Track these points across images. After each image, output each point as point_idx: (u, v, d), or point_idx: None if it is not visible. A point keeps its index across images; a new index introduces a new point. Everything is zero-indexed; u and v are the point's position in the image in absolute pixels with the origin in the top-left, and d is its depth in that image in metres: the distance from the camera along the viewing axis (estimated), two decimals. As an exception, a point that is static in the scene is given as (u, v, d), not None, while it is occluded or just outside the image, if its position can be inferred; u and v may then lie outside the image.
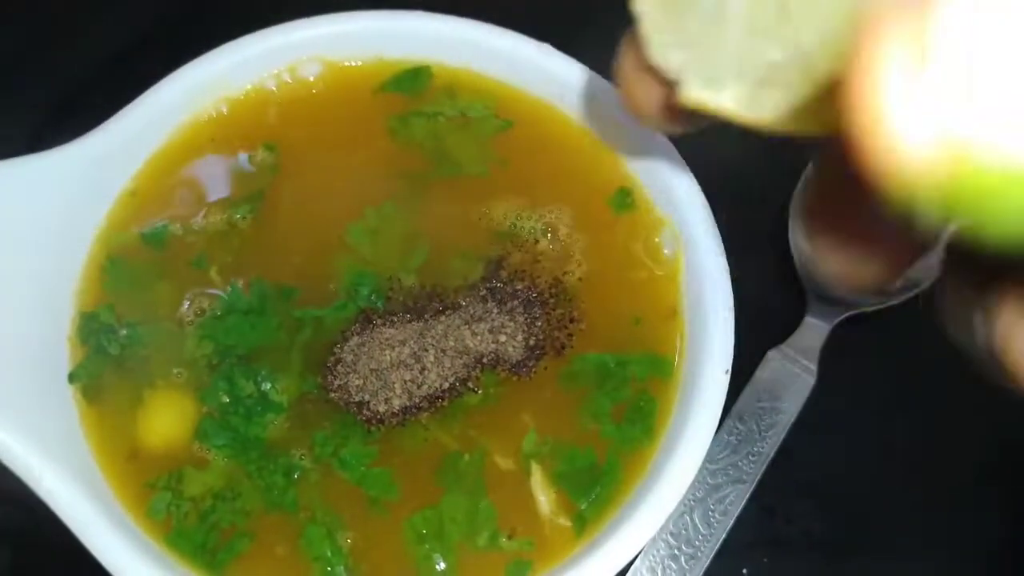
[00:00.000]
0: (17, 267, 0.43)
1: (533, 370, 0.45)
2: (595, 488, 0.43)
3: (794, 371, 0.50)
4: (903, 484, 0.52)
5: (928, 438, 0.53)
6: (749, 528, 0.49)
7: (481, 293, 0.46)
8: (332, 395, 0.44)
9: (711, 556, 0.47)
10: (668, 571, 0.47)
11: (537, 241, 0.47)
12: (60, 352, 0.45)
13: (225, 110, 0.49)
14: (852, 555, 0.51)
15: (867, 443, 0.52)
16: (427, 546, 0.42)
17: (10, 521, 0.49)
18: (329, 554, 0.42)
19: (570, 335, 0.45)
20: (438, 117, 0.50)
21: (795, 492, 0.51)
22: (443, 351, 0.44)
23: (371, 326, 0.45)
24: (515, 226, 0.48)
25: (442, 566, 0.42)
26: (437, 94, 0.51)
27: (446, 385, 0.44)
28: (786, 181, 0.55)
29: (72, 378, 0.44)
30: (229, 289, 0.46)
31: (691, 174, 0.47)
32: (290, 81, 0.50)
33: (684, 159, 0.47)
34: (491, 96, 0.51)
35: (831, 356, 0.51)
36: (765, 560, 0.50)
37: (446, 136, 0.50)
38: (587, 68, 0.49)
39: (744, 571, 0.50)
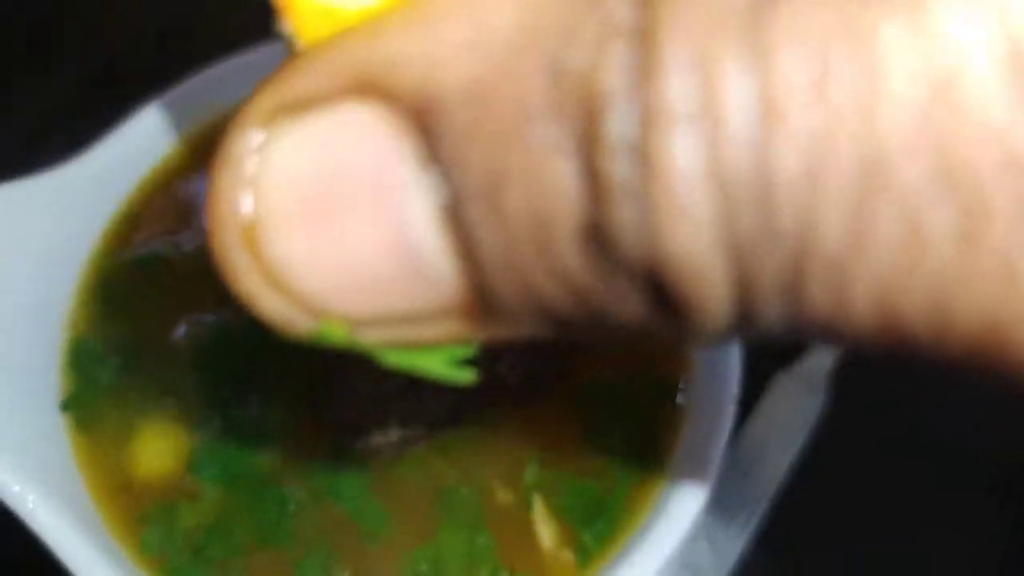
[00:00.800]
0: (7, 294, 0.42)
1: (535, 398, 0.44)
2: (599, 519, 0.42)
3: (803, 395, 0.49)
4: (919, 510, 0.51)
5: (944, 461, 0.52)
6: (760, 555, 0.48)
7: (480, 319, 0.44)
8: (327, 425, 0.43)
9: (720, 584, 0.46)
10: (676, 600, 0.46)
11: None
12: (52, 380, 0.44)
13: (218, 129, 0.48)
14: (847, 560, 0.50)
15: (880, 468, 0.51)
16: None
17: (4, 552, 0.48)
18: (325, 588, 0.41)
19: (573, 362, 0.44)
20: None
21: (806, 518, 0.50)
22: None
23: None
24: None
25: None
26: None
27: (445, 414, 0.43)
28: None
29: (64, 407, 0.43)
30: (222, 315, 0.45)
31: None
32: (285, 99, 0.49)
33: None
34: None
35: (841, 380, 0.50)
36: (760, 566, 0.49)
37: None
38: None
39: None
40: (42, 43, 0.60)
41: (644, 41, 0.13)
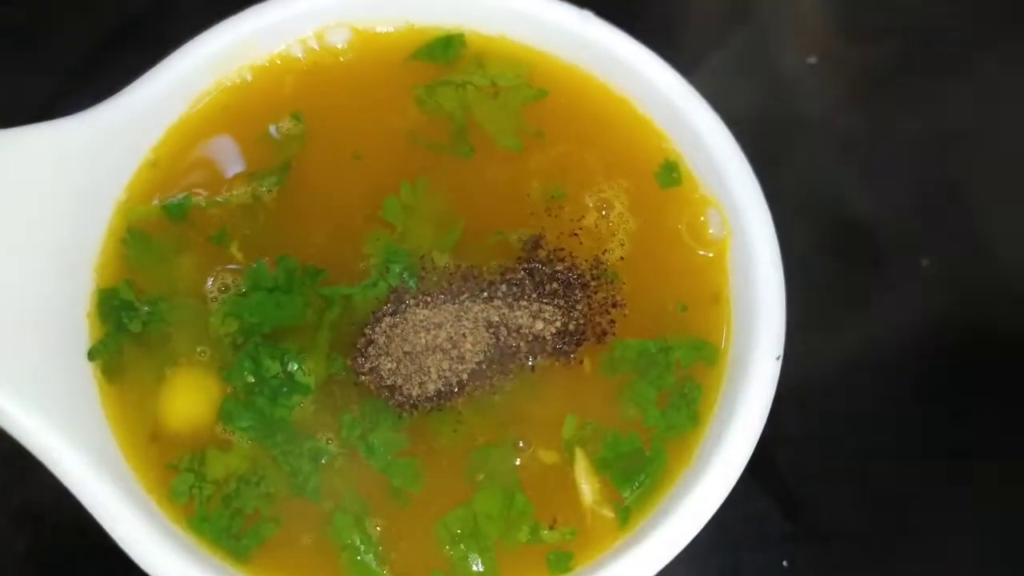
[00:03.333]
0: (33, 240, 0.41)
1: (573, 356, 0.43)
2: (639, 476, 0.41)
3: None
4: (945, 480, 0.51)
5: (964, 435, 0.51)
6: (788, 521, 0.48)
7: (519, 275, 0.43)
8: (362, 378, 0.42)
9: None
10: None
11: (576, 219, 0.45)
12: (79, 329, 0.43)
13: (250, 77, 0.48)
14: (891, 549, 0.50)
15: (908, 439, 0.51)
16: (463, 547, 0.40)
17: (30, 505, 0.48)
18: (358, 542, 0.40)
19: (612, 321, 0.44)
20: (467, 86, 0.48)
21: (831, 483, 0.50)
22: (480, 335, 0.42)
23: (404, 306, 0.43)
24: (552, 202, 0.46)
25: (479, 567, 0.40)
26: (466, 63, 0.49)
27: (483, 371, 0.42)
28: (845, 157, 0.54)
29: (92, 355, 0.43)
30: (254, 265, 0.44)
31: (740, 150, 0.45)
32: (317, 48, 0.48)
33: (733, 134, 0.45)
34: (523, 64, 0.49)
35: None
36: (804, 553, 0.49)
37: (475, 106, 0.48)
38: (629, 35, 0.47)
39: (784, 564, 0.49)
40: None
41: None
